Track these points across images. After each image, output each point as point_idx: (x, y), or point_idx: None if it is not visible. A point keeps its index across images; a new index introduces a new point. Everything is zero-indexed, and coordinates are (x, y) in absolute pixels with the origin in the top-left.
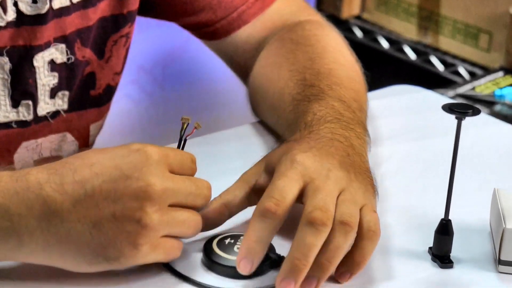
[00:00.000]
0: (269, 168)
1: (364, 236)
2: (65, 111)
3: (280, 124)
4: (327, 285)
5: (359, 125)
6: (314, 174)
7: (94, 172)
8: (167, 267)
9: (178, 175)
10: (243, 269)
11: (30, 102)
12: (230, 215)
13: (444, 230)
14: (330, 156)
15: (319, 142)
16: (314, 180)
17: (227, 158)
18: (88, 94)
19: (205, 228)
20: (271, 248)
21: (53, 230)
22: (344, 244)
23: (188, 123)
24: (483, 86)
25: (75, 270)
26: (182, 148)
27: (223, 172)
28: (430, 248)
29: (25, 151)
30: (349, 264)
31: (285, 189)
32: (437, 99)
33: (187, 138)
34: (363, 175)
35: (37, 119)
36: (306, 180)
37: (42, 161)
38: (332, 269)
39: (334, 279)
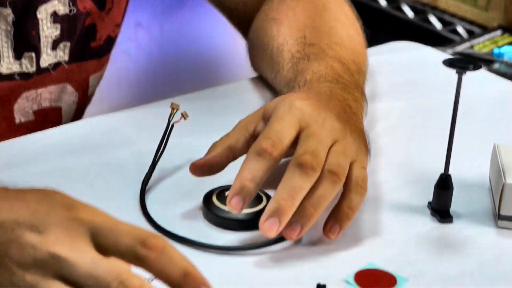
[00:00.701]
0: (267, 116)
1: (351, 189)
2: (66, 63)
3: (278, 81)
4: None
5: (357, 89)
6: (311, 121)
7: None
8: (163, 231)
9: None
10: (235, 206)
11: (33, 54)
12: (234, 159)
13: (444, 184)
14: (327, 108)
15: (318, 95)
16: (309, 126)
17: (225, 112)
18: (88, 45)
19: (211, 172)
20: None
21: None
22: (329, 193)
23: (177, 110)
24: (481, 45)
25: None
26: (169, 133)
27: (221, 126)
28: (429, 203)
29: (25, 101)
30: (338, 217)
31: (282, 132)
32: (436, 55)
33: (174, 124)
34: (358, 133)
35: (39, 70)
36: (302, 126)
37: (42, 111)
38: (316, 217)
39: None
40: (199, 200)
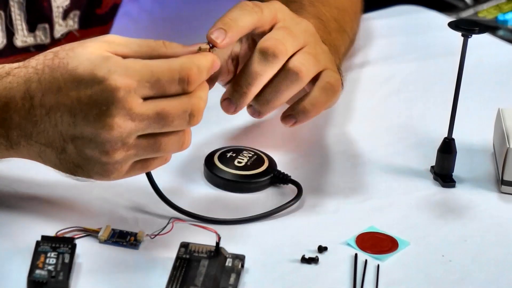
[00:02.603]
0: None
1: (317, 87)
2: (76, 31)
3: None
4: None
5: (331, 47)
6: (288, 16)
7: (58, 101)
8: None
9: (152, 104)
10: (226, 109)
11: (47, 26)
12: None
13: (447, 148)
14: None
15: None
16: (285, 20)
17: None
18: (94, 12)
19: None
20: (273, 165)
21: (27, 148)
22: (285, 91)
23: None
24: (485, 11)
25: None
26: None
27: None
28: (432, 167)
29: None
30: (296, 109)
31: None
32: (440, 19)
33: None
34: (332, 51)
35: (53, 41)
36: (279, 17)
37: None
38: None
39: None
40: (200, 162)
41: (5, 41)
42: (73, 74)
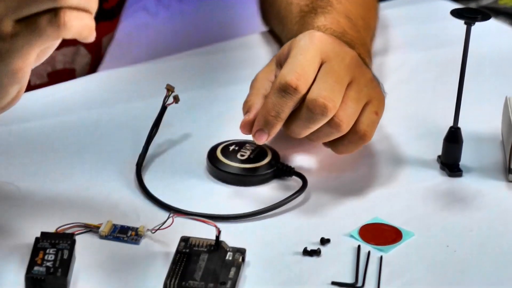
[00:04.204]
0: (281, 61)
1: (346, 137)
2: None
3: (285, 34)
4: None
5: (362, 45)
6: (332, 54)
7: None
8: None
9: None
10: (259, 139)
11: None
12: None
13: (453, 137)
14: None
15: None
16: (330, 60)
17: (235, 66)
18: (101, 7)
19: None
20: (276, 157)
21: None
22: (320, 133)
23: (172, 92)
24: None
25: None
26: (162, 114)
27: (231, 80)
28: (439, 156)
29: (40, 63)
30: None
31: (306, 64)
32: (452, 8)
33: (167, 106)
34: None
35: None
36: (324, 58)
37: (55, 73)
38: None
39: None
40: (202, 156)
41: None
42: None
